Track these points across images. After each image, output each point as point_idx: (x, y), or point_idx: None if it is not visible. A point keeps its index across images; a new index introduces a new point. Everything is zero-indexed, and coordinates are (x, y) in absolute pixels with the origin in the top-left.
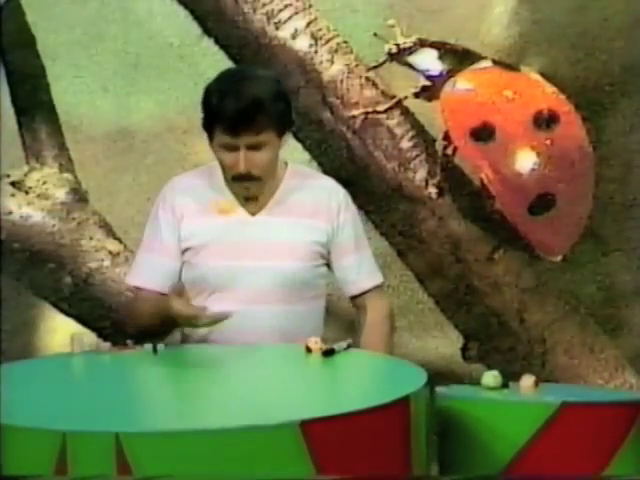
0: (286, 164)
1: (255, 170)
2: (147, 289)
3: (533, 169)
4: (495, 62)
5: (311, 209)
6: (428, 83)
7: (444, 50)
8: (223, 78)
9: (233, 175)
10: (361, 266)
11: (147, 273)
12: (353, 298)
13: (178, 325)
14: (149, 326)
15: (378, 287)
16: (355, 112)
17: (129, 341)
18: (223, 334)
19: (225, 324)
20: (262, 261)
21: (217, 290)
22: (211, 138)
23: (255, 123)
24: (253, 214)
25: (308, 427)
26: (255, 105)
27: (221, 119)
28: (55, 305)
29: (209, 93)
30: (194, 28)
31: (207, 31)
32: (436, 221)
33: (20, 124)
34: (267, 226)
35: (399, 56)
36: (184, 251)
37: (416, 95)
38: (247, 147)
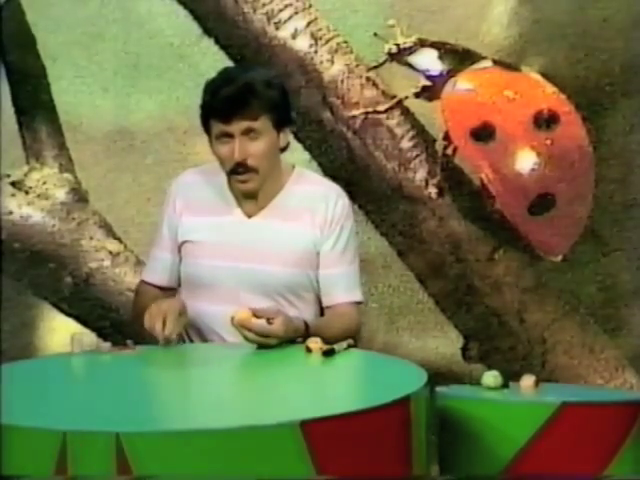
0: (293, 167)
1: (251, 160)
2: (148, 282)
3: (533, 169)
4: (495, 62)
5: (306, 216)
6: (428, 83)
7: (444, 50)
8: (220, 73)
9: (230, 168)
10: (340, 280)
11: (149, 267)
12: (327, 308)
13: None
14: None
15: (355, 304)
16: (355, 112)
17: (129, 341)
18: (214, 335)
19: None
20: (249, 264)
21: (205, 289)
22: (210, 134)
23: (247, 107)
24: (249, 216)
25: (308, 427)
26: (246, 89)
27: (215, 107)
28: (55, 305)
29: (205, 87)
30: (194, 28)
31: (207, 31)
32: (436, 221)
33: (20, 124)
34: (259, 229)
35: (399, 56)
36: (180, 247)
37: (416, 95)
38: (242, 134)
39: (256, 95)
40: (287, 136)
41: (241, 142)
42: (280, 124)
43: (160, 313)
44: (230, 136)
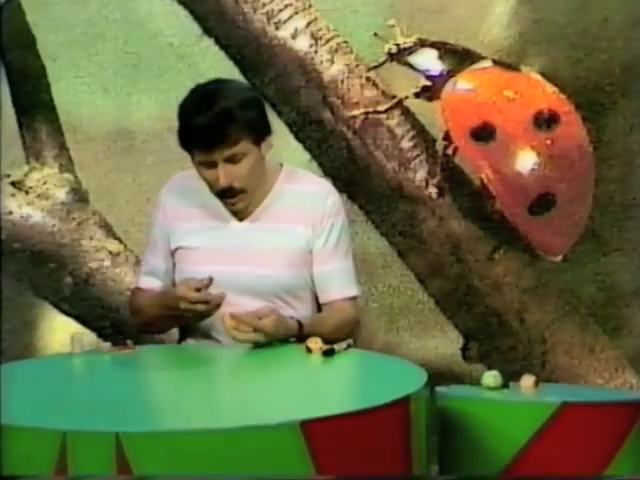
0: (281, 166)
1: (237, 183)
2: (142, 288)
3: (533, 169)
4: (495, 62)
5: (296, 215)
6: (428, 83)
7: (444, 50)
8: (192, 95)
9: (217, 192)
10: (334, 276)
11: (144, 274)
12: (324, 305)
13: (177, 320)
14: (148, 320)
15: (351, 298)
16: (355, 112)
17: (129, 341)
18: (212, 339)
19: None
20: (244, 267)
21: None
22: (191, 157)
23: (227, 135)
24: (241, 219)
25: (308, 427)
26: (223, 117)
27: (193, 137)
28: (55, 305)
29: (180, 112)
30: (194, 28)
31: (207, 31)
32: (436, 221)
33: (20, 124)
34: (251, 232)
35: (399, 56)
36: (173, 253)
37: (416, 95)
38: (225, 160)
39: (234, 121)
40: (269, 143)
41: (224, 168)
42: (261, 138)
43: (186, 284)
44: (213, 163)
